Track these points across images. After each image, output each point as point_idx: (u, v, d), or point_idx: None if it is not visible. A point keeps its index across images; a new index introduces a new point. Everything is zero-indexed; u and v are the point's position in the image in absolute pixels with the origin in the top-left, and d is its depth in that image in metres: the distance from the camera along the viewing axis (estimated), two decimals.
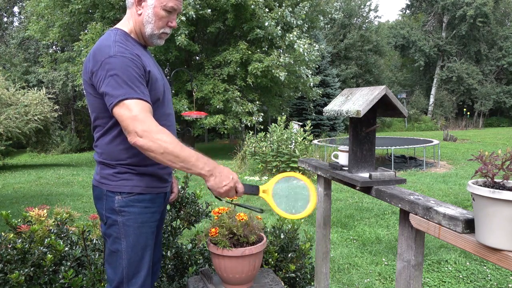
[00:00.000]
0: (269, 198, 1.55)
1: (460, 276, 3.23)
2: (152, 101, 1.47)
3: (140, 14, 1.50)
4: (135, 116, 1.33)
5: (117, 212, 1.48)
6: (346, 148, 1.64)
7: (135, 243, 1.49)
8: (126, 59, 1.37)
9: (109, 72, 1.36)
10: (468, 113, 28.76)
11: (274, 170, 8.11)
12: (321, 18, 16.02)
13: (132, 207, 1.49)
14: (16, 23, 25.56)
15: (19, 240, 1.93)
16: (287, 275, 2.22)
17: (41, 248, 1.94)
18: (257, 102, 13.19)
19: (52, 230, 2.10)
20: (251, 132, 9.83)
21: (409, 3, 33.54)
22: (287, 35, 12.64)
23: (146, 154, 1.35)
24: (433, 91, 30.47)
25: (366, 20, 31.86)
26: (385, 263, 3.55)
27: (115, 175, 1.48)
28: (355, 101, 1.52)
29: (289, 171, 1.57)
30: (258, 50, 12.75)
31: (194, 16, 11.19)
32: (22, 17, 23.69)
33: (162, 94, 1.53)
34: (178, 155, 1.33)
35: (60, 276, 1.90)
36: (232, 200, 1.64)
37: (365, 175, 1.52)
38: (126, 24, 1.54)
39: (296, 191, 1.59)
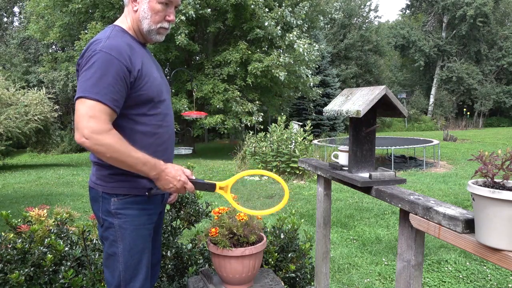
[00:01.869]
0: (227, 195, 1.56)
1: (460, 276, 3.23)
2: (143, 101, 1.44)
3: (136, 11, 1.48)
4: (88, 116, 1.30)
5: (113, 214, 1.45)
6: (346, 148, 1.64)
7: (132, 246, 1.47)
8: (110, 56, 1.34)
9: (88, 65, 1.34)
10: (468, 113, 28.76)
11: (274, 170, 8.11)
12: (321, 18, 16.03)
13: (128, 209, 1.46)
14: (16, 23, 25.58)
15: (19, 240, 1.93)
16: (287, 275, 2.22)
17: (41, 248, 1.93)
18: (257, 102, 13.19)
19: (52, 230, 2.10)
20: (251, 132, 9.83)
21: (409, 3, 33.54)
22: (287, 35, 12.64)
23: (94, 154, 1.35)
24: (433, 91, 30.47)
25: (366, 20, 31.87)
26: (385, 263, 3.55)
27: (111, 176, 1.45)
28: (355, 101, 1.52)
29: (255, 170, 1.58)
30: (258, 50, 12.75)
31: (194, 15, 11.19)
32: (22, 17, 23.69)
33: (157, 94, 1.49)
34: (123, 161, 1.34)
35: (60, 276, 1.90)
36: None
37: (365, 175, 1.52)
38: (124, 21, 1.52)
39: (265, 187, 1.62)
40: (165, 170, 1.41)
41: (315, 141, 11.18)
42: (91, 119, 1.30)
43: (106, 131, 1.31)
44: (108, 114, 1.34)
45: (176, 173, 1.43)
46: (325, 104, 19.74)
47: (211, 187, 1.52)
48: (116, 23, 1.53)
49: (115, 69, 1.34)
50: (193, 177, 1.49)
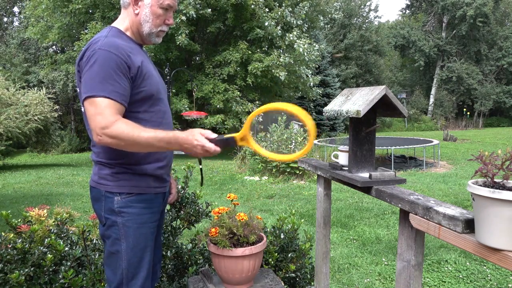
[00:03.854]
0: (250, 143, 1.43)
1: (460, 276, 3.23)
2: (145, 97, 1.47)
3: (137, 14, 1.51)
4: (96, 114, 1.32)
5: (116, 213, 1.47)
6: (346, 148, 1.64)
7: (135, 244, 1.49)
8: (109, 53, 1.36)
9: (89, 65, 1.37)
10: (468, 113, 28.77)
11: (274, 170, 8.11)
12: (321, 18, 16.03)
13: (131, 208, 1.48)
14: (16, 23, 25.57)
15: (19, 240, 1.93)
16: (287, 275, 2.22)
17: (41, 248, 1.93)
18: (257, 102, 13.19)
19: (52, 230, 2.10)
20: (251, 132, 9.84)
21: (409, 3, 33.55)
22: (287, 35, 12.64)
23: (114, 147, 1.36)
24: (433, 91, 30.47)
25: (366, 20, 31.88)
26: (385, 263, 3.55)
27: (113, 175, 1.48)
28: (355, 101, 1.52)
29: (266, 107, 1.40)
30: (258, 50, 12.76)
31: (194, 15, 11.19)
32: (22, 17, 23.67)
33: (156, 91, 1.52)
34: (139, 143, 1.33)
35: (60, 276, 1.90)
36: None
37: (365, 175, 1.52)
38: (121, 23, 1.55)
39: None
40: (181, 140, 1.36)
41: (315, 141, 11.19)
42: (98, 116, 1.32)
43: (112, 122, 1.32)
44: (115, 108, 1.35)
45: (191, 141, 1.36)
46: (325, 104, 19.75)
47: (233, 142, 1.40)
48: (113, 24, 1.56)
49: (115, 64, 1.36)
50: (213, 136, 1.38)
